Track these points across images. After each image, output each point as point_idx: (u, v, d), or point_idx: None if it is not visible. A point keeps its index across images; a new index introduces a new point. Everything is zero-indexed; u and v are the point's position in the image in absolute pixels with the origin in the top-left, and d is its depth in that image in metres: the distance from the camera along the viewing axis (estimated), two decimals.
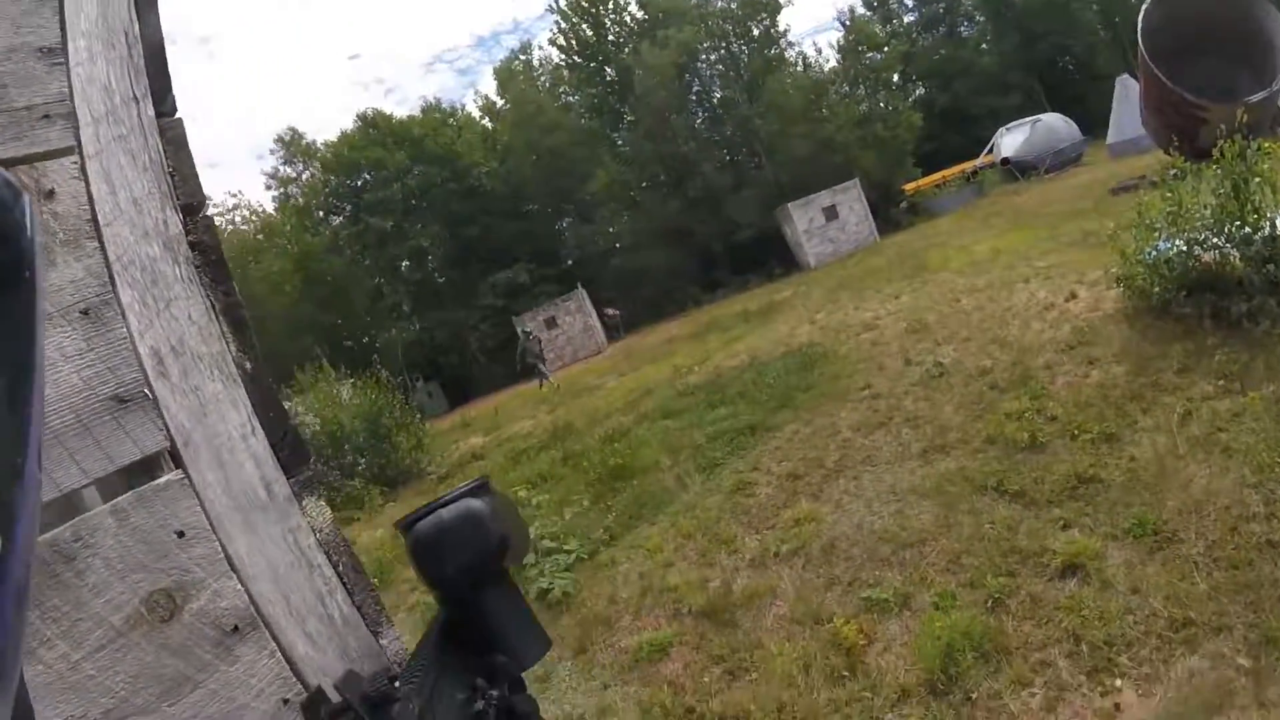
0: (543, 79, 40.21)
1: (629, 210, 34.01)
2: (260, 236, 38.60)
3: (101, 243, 1.01)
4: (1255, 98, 13.56)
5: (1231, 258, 5.99)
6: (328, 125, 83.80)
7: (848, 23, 38.76)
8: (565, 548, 6.55)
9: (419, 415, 16.23)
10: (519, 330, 22.28)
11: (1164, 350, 5.99)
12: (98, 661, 0.82)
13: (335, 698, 0.94)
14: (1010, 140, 29.58)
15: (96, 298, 0.96)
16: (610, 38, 35.92)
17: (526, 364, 21.39)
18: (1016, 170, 27.97)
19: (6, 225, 0.49)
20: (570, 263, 36.01)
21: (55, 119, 1.02)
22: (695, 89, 34.21)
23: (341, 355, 27.44)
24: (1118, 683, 3.20)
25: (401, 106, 55.22)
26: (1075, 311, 7.73)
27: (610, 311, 29.15)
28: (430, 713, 0.85)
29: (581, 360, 26.62)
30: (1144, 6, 15.06)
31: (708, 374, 11.84)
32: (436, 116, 39.19)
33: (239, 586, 0.98)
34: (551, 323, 29.31)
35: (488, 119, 41.25)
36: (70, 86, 1.05)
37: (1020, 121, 31.17)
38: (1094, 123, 31.20)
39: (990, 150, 32.10)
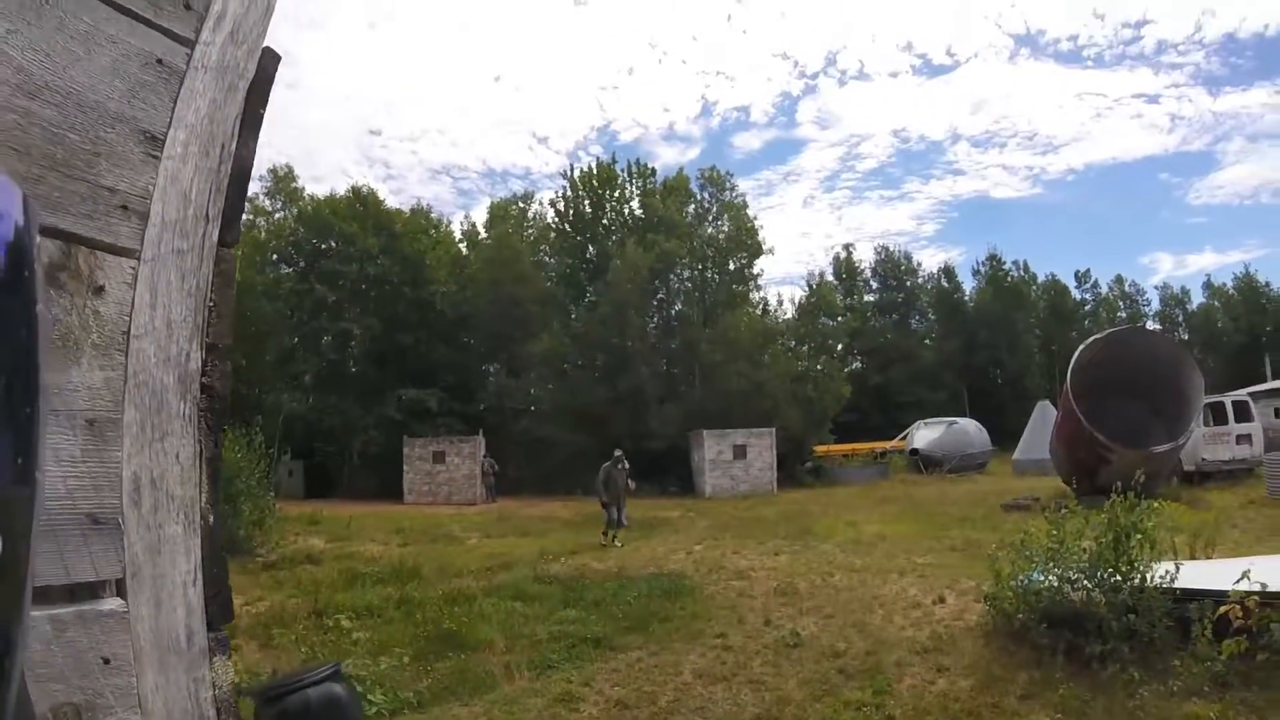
0: (529, 231, 41.94)
1: (557, 381, 34.47)
2: None
3: (127, 357, 1.01)
4: (1161, 449, 14.87)
5: (1097, 601, 6.38)
6: (321, 180, 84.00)
7: (814, 285, 42.54)
8: (369, 697, 6.11)
9: (273, 493, 15.43)
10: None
11: (1012, 674, 6.23)
12: None
13: None
14: (924, 434, 31.43)
15: (106, 413, 0.97)
16: (604, 221, 38.06)
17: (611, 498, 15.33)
18: (923, 463, 29.47)
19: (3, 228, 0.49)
20: (483, 408, 35.73)
21: (131, 215, 1.01)
22: (660, 296, 36.01)
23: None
24: None
25: (395, 197, 56.27)
26: (939, 616, 8.04)
27: (486, 465, 28.33)
28: None
29: (454, 505, 25.77)
30: (1081, 345, 16.72)
31: (572, 569, 11.64)
32: (421, 222, 40.05)
33: None
34: (439, 457, 28.60)
35: (465, 245, 42.45)
36: (155, 183, 1.04)
37: (939, 420, 33.46)
38: (1005, 435, 33.66)
39: (904, 437, 34.20)
